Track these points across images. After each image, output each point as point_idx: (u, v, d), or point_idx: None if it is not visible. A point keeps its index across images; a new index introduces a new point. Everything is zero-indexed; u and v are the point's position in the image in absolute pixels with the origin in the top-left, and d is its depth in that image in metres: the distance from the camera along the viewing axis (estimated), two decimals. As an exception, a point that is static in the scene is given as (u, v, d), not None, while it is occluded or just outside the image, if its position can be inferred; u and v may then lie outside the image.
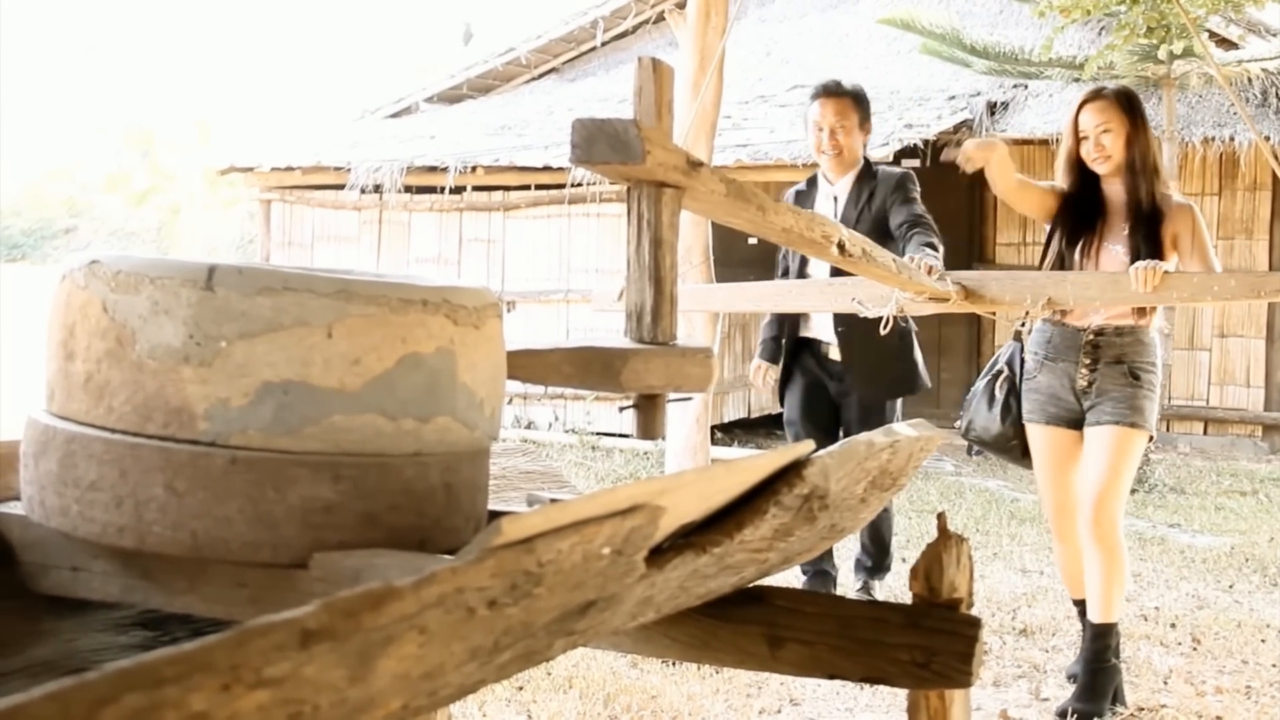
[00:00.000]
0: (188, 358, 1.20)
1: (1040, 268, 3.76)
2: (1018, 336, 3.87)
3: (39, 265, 22.49)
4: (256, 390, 1.20)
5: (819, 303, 4.13)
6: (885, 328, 3.60)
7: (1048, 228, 3.80)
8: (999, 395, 3.81)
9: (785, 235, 2.03)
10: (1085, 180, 3.71)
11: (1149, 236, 3.58)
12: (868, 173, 4.33)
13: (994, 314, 3.99)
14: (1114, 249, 3.63)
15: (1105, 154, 3.63)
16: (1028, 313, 3.60)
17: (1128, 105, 3.65)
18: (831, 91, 4.29)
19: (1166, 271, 3.35)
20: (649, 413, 1.63)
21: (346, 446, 1.22)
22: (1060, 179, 3.75)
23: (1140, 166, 3.63)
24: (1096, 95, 3.69)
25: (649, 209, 1.58)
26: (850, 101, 4.26)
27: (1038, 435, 3.72)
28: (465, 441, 1.33)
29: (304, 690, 0.73)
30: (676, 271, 1.65)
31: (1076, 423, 3.65)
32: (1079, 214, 3.69)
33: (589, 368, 1.55)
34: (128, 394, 1.22)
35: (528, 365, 1.56)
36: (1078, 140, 3.68)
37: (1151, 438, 3.69)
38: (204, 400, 1.20)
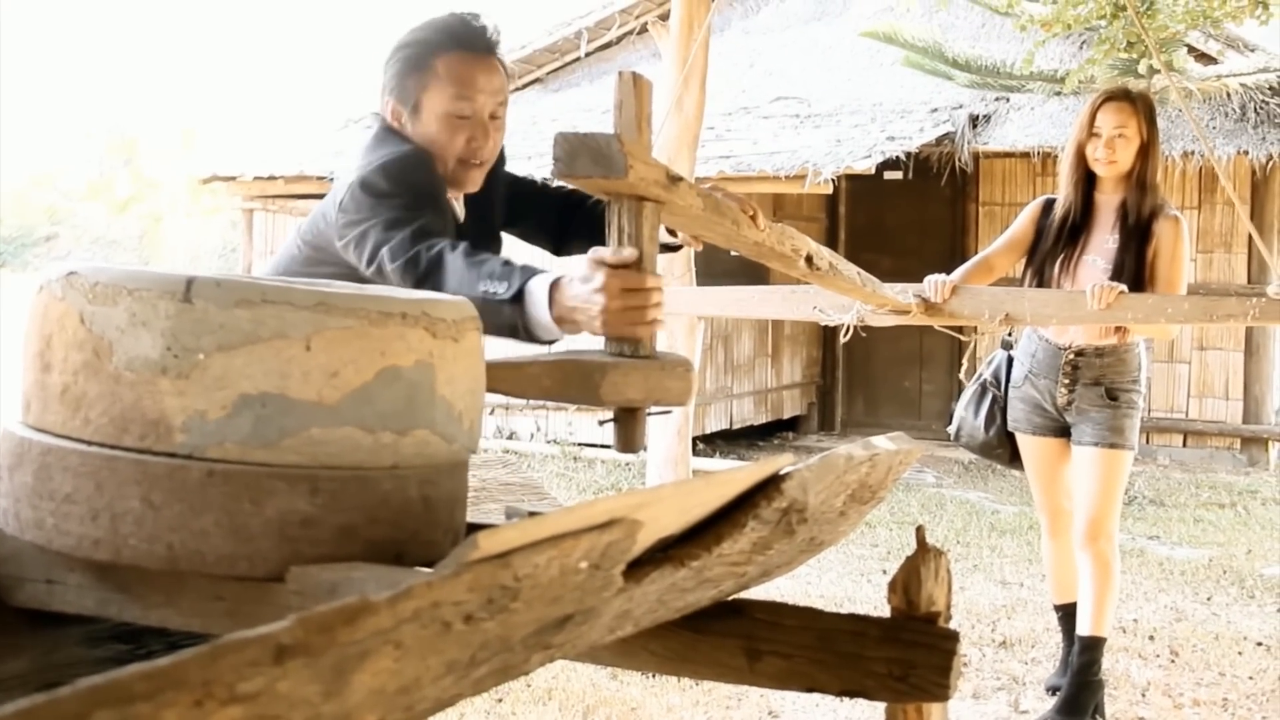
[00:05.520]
0: (165, 370, 1.19)
1: (1023, 275, 3.77)
2: (1006, 346, 3.89)
3: (19, 273, 22.36)
4: (234, 403, 1.19)
5: (782, 310, 4.14)
6: (845, 336, 3.63)
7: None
8: (985, 404, 3.84)
9: (757, 249, 2.04)
10: (1081, 184, 3.64)
11: (1137, 253, 3.56)
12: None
13: (947, 328, 3.99)
14: (1095, 261, 3.61)
15: (1113, 158, 3.54)
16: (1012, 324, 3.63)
17: (1148, 114, 3.58)
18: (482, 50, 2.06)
19: (1122, 291, 3.36)
20: (628, 426, 1.63)
21: (324, 459, 1.22)
22: (1065, 176, 3.68)
23: (1149, 183, 3.58)
24: (1120, 96, 3.59)
25: (629, 222, 1.58)
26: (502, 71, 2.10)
27: (1026, 444, 3.76)
28: (444, 454, 1.33)
29: (278, 706, 0.73)
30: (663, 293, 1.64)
31: (1063, 431, 3.68)
32: (1064, 222, 3.67)
33: (569, 381, 1.54)
34: (104, 406, 1.21)
35: (507, 378, 1.56)
36: (1089, 136, 3.58)
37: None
38: (181, 412, 1.20)
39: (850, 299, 3.38)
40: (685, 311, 5.12)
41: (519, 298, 1.61)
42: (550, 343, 1.66)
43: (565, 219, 2.32)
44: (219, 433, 1.20)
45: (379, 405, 1.24)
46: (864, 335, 3.74)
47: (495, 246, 2.25)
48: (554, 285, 1.59)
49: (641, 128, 1.57)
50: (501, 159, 2.23)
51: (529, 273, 1.63)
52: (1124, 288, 3.37)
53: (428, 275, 1.73)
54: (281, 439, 1.20)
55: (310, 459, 1.21)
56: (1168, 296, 3.46)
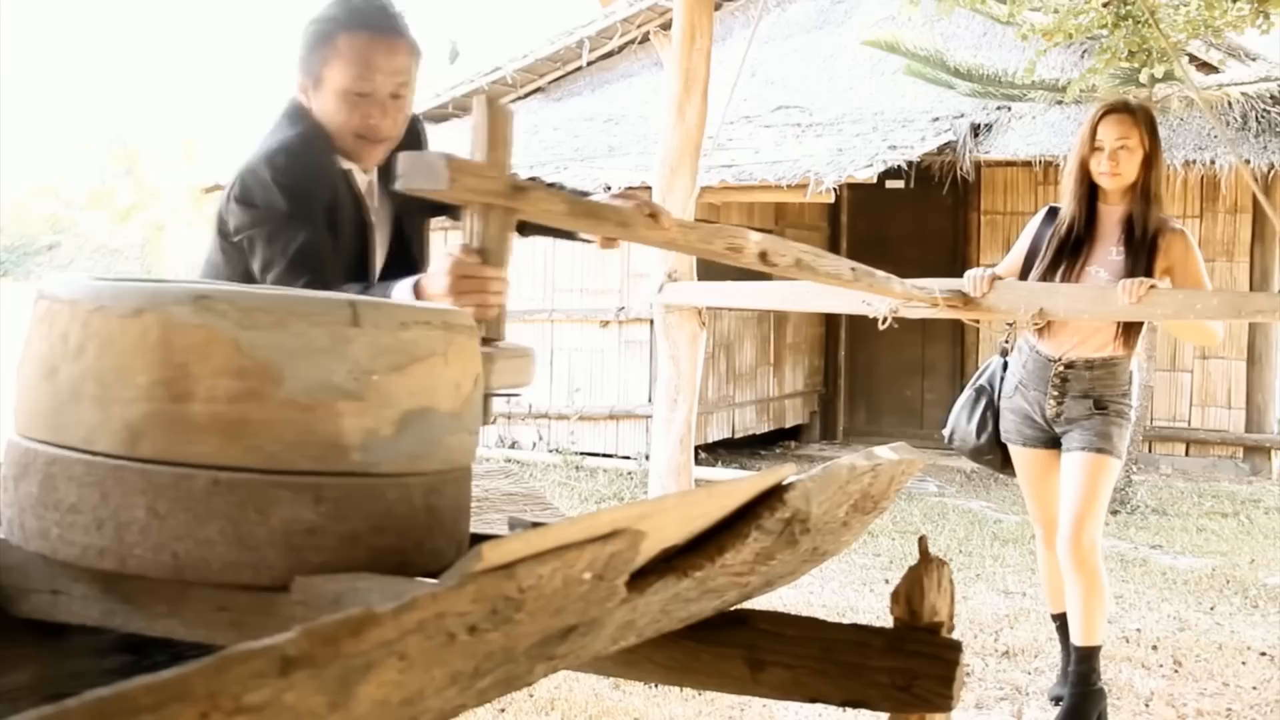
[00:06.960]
0: (342, 392, 1.23)
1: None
2: (1003, 353, 3.90)
3: (21, 282, 22.36)
4: (399, 419, 1.27)
5: (834, 303, 4.15)
6: (884, 325, 3.64)
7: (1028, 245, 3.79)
8: (978, 410, 3.85)
9: (674, 246, 2.11)
10: (1085, 198, 3.65)
11: (1145, 268, 3.55)
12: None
13: (976, 322, 4.03)
14: (1098, 273, 3.61)
15: (1117, 170, 3.55)
16: (1013, 326, 3.64)
17: (1149, 125, 3.58)
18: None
19: (1154, 286, 3.37)
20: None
21: (451, 464, 1.34)
22: (1068, 190, 3.69)
23: (1153, 194, 3.59)
24: (1121, 108, 3.59)
25: (477, 222, 1.75)
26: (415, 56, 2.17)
27: (1017, 455, 3.78)
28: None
29: (283, 717, 0.73)
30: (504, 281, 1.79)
31: (1052, 442, 3.68)
32: (1067, 235, 3.67)
33: None
34: (274, 432, 1.21)
35: None
36: (1092, 150, 3.59)
37: (1133, 459, 3.72)
38: (357, 432, 1.23)
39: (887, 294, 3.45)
40: (740, 305, 5.14)
41: None
42: None
43: None
44: (390, 448, 1.26)
45: (474, 410, 1.38)
46: (885, 328, 3.75)
47: (424, 226, 2.35)
48: (417, 283, 1.79)
49: (496, 146, 1.72)
50: (422, 142, 2.25)
51: (386, 286, 1.83)
52: (1155, 282, 3.39)
53: None
54: (431, 449, 1.30)
55: (445, 464, 1.32)
56: (1197, 292, 3.47)
